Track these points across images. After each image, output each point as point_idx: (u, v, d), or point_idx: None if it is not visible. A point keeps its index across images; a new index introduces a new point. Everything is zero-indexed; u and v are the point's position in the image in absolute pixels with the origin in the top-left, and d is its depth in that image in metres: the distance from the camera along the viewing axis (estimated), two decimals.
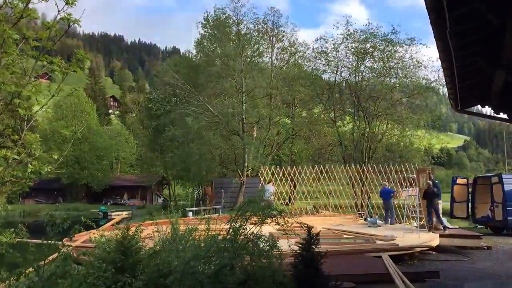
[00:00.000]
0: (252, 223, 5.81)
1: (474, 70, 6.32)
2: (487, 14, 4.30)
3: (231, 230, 5.72)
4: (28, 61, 4.46)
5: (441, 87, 29.29)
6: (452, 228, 14.97)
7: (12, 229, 5.03)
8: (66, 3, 4.10)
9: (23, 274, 5.01)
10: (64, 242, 5.46)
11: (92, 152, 52.87)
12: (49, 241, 5.21)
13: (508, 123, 9.63)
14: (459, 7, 4.33)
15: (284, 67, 37.04)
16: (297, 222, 5.93)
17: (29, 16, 4.24)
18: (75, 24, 4.35)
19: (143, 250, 5.74)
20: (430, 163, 30.36)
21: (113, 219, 17.76)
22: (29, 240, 5.32)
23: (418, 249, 11.11)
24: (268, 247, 5.64)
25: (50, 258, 5.27)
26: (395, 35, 29.12)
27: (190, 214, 21.32)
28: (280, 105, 36.98)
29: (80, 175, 51.89)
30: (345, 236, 13.23)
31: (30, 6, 4.27)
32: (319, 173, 21.43)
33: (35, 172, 4.48)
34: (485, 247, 13.02)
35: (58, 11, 4.11)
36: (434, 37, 5.08)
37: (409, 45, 28.76)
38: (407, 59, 29.08)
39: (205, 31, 35.78)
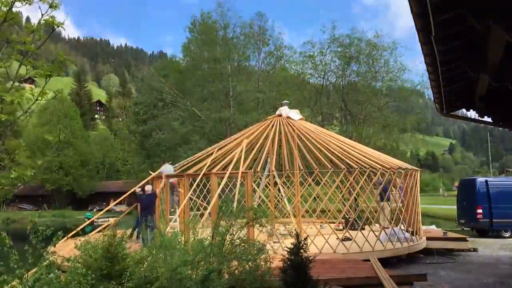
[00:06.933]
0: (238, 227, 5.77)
1: (459, 74, 6.39)
2: (471, 20, 4.35)
3: (217, 234, 5.67)
4: (12, 65, 4.38)
5: (425, 90, 29.65)
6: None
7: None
8: (50, 7, 4.04)
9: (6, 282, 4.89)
10: (49, 250, 5.35)
11: (76, 157, 52.16)
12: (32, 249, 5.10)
13: (492, 127, 9.77)
14: (444, 12, 4.38)
15: (271, 71, 37.08)
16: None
17: (12, 20, 4.17)
18: (60, 28, 4.30)
19: (130, 257, 5.66)
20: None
21: (100, 225, 17.47)
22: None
23: (405, 252, 11.20)
24: (256, 251, 5.61)
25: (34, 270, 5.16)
26: (378, 39, 29.49)
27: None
28: (268, 109, 36.99)
29: (64, 180, 51.10)
30: None
31: (14, 9, 4.20)
32: (307, 177, 21.26)
33: (19, 178, 4.39)
34: (471, 249, 13.16)
35: (42, 14, 4.06)
36: (420, 41, 5.12)
37: (392, 49, 29.10)
38: (392, 63, 29.45)
39: (192, 36, 35.77)
